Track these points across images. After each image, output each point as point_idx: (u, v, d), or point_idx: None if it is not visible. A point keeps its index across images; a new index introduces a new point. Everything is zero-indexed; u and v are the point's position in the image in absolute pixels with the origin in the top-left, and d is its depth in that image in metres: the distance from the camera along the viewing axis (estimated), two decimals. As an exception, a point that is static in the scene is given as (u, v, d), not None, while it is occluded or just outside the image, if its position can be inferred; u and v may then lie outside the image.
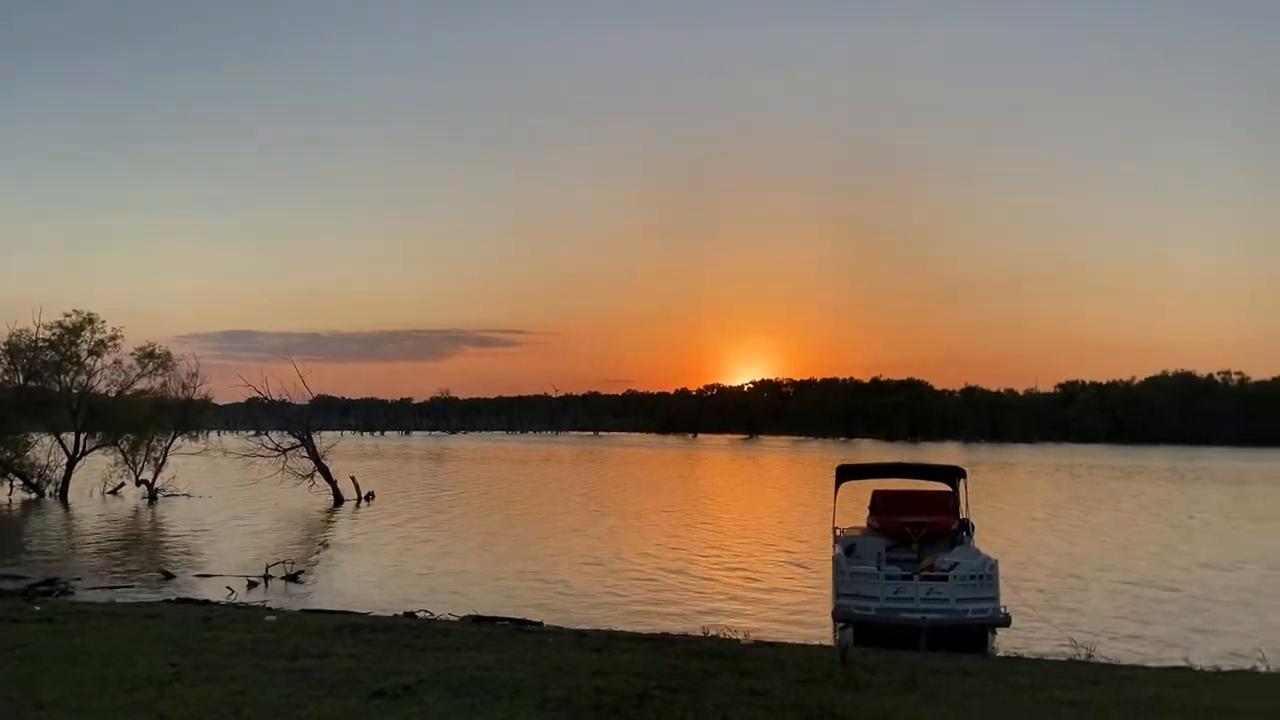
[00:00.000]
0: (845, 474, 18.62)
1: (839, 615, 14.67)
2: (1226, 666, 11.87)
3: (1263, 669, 11.60)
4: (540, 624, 14.07)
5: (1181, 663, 12.24)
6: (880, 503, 18.12)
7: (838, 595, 14.78)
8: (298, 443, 40.78)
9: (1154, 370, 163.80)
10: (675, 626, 14.88)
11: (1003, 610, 14.21)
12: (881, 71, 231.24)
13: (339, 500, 39.47)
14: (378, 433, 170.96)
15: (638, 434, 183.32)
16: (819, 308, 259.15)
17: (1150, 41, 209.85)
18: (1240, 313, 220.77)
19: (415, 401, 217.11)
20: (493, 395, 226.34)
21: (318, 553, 25.29)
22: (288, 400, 42.77)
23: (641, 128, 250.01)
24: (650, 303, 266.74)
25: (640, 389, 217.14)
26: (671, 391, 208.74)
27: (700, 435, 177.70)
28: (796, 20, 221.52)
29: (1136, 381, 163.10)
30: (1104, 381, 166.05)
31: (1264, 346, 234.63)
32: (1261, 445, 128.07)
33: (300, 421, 41.82)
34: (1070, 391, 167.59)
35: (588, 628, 13.80)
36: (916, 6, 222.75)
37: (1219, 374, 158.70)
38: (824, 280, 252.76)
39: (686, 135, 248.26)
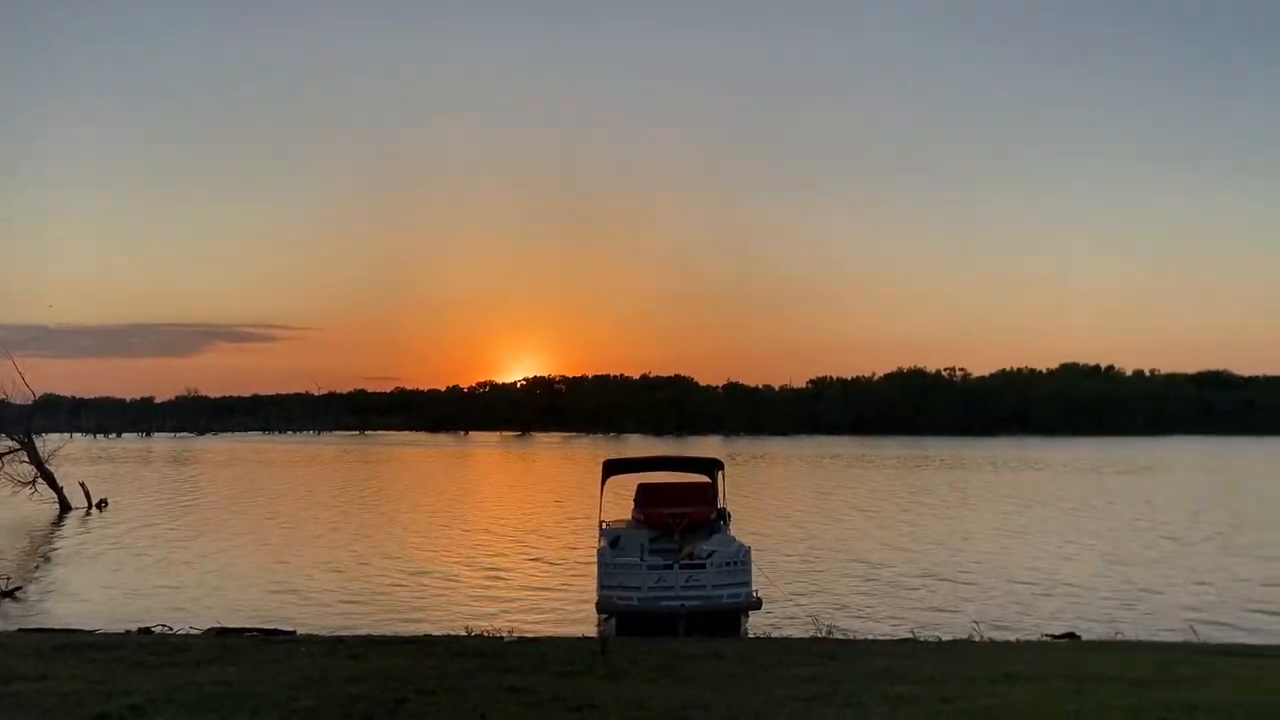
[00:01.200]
0: (611, 469, 19.02)
1: (602, 606, 14.97)
2: (947, 638, 13.07)
3: (978, 638, 12.87)
4: (293, 633, 13.42)
5: (909, 636, 13.37)
6: (644, 496, 18.62)
7: (602, 587, 15.07)
8: (16, 446, 36.90)
9: (892, 367, 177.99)
10: (437, 628, 14.63)
11: (755, 594, 14.99)
12: (648, 76, 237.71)
13: (65, 508, 36.02)
14: (113, 435, 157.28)
15: (407, 432, 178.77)
16: (593, 306, 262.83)
17: (889, 46, 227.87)
18: (961, 314, 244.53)
19: (158, 401, 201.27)
20: (248, 394, 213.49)
21: (39, 566, 23.00)
22: (6, 400, 38.62)
23: (410, 128, 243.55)
24: (421, 299, 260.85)
25: (410, 386, 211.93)
26: (443, 389, 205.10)
27: (472, 433, 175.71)
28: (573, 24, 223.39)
29: (877, 378, 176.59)
30: (849, 378, 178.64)
31: (983, 344, 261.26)
32: (980, 435, 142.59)
33: (20, 423, 37.87)
34: (820, 387, 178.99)
35: (345, 634, 13.31)
36: (667, 10, 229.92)
37: (945, 370, 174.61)
38: (597, 280, 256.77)
39: (454, 133, 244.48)
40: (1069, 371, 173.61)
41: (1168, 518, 34.84)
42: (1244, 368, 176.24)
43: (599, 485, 19.02)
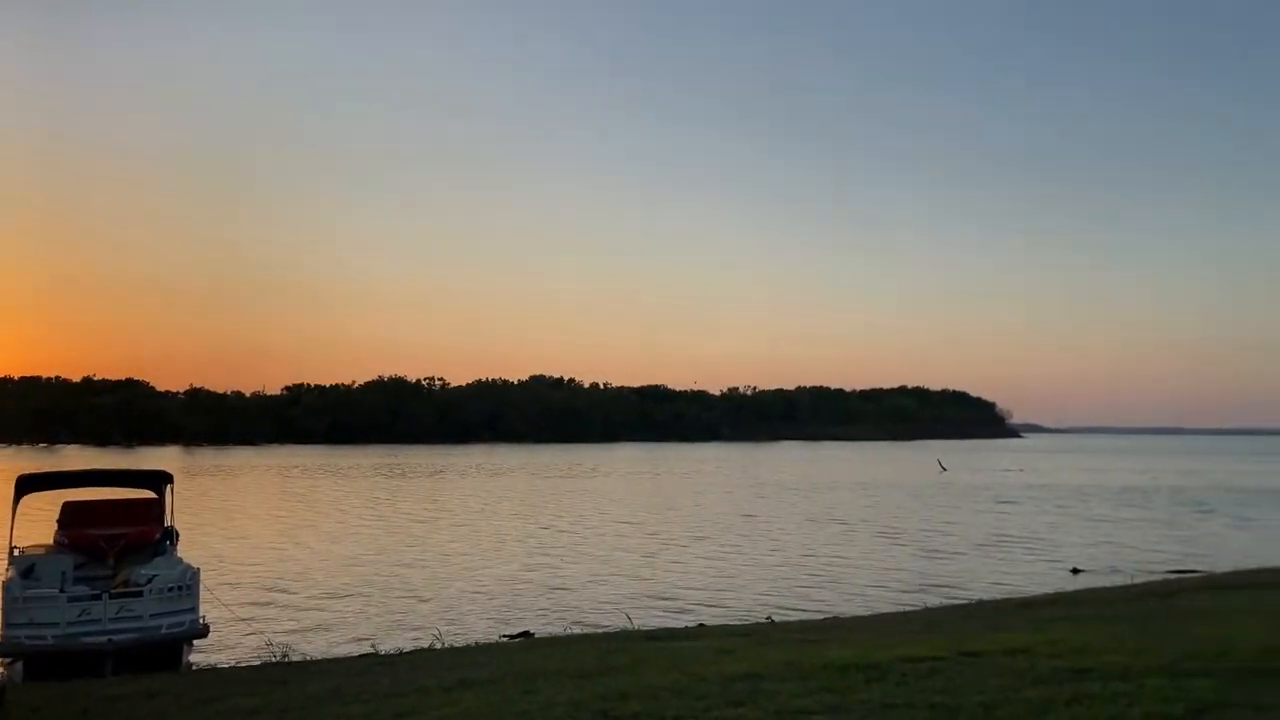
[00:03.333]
0: (27, 485, 16.01)
1: (5, 649, 12.52)
2: (409, 649, 12.92)
3: (439, 646, 12.89)
4: None
5: (369, 651, 13.00)
6: (70, 515, 15.98)
7: (7, 626, 12.60)
8: None
9: (373, 375, 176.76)
10: None
11: (201, 621, 13.57)
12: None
13: None
14: None
15: None
16: (16, 299, 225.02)
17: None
18: (442, 328, 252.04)
19: None
20: None
21: None
22: None
23: None
24: None
25: None
26: None
27: None
28: None
29: (357, 385, 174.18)
30: (328, 385, 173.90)
31: (461, 354, 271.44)
32: (456, 442, 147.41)
33: None
34: (296, 394, 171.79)
35: None
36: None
37: (425, 379, 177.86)
38: (24, 267, 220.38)
39: None
40: (537, 383, 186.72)
41: (619, 516, 38.75)
42: (675, 383, 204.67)
43: (10, 506, 15.96)
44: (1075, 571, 23.62)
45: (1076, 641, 8.23)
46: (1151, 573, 21.92)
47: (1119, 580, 19.72)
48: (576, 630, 14.66)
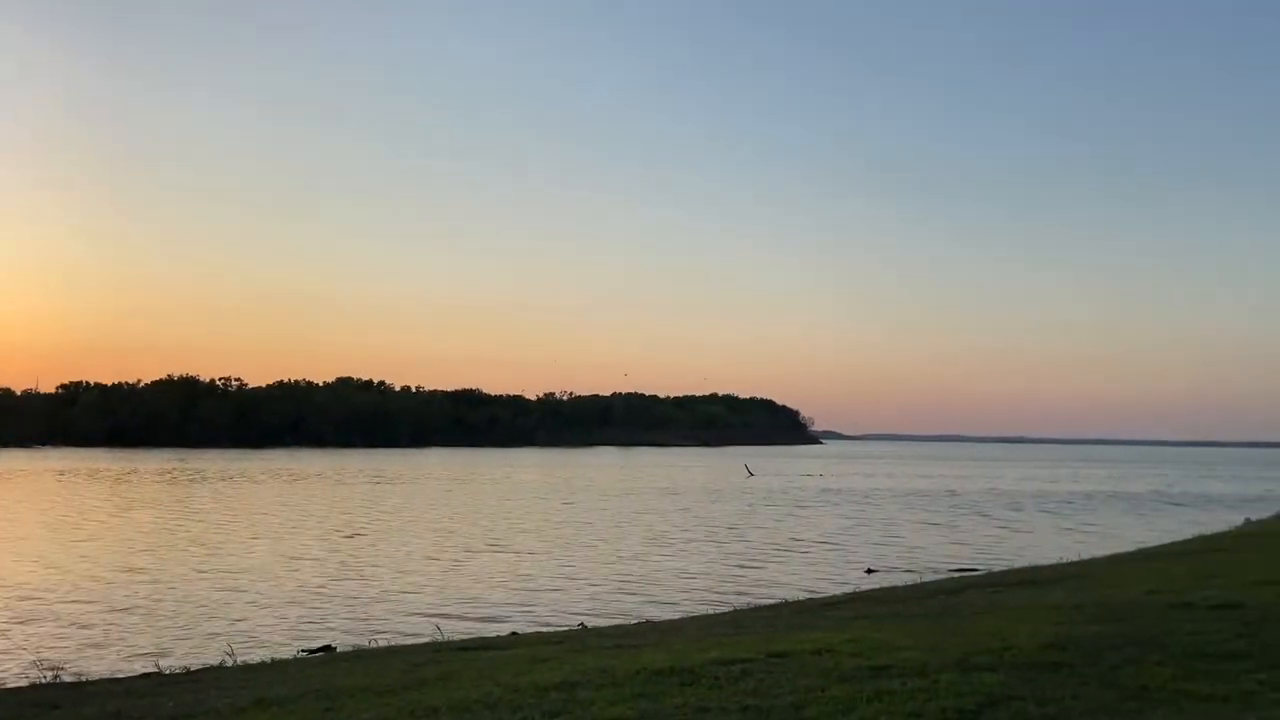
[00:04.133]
0: None
1: None
2: (197, 666, 12.08)
3: (231, 663, 12.10)
4: None
5: (153, 669, 12.06)
6: None
7: None
8: None
9: (160, 373, 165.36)
10: None
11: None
12: None
13: None
14: None
15: None
16: None
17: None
18: (240, 324, 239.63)
19: None
20: None
21: None
22: None
23: None
24: None
25: None
26: None
27: None
28: None
29: (142, 384, 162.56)
30: (109, 383, 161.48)
31: (261, 354, 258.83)
32: (254, 446, 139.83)
33: None
34: (74, 393, 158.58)
35: None
36: None
37: (220, 379, 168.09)
38: None
39: None
40: (344, 385, 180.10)
41: (426, 523, 37.81)
42: (490, 387, 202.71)
43: None
44: (870, 571, 24.86)
45: (876, 640, 8.61)
46: (938, 571, 23.34)
47: (910, 579, 20.88)
48: (382, 643, 14.12)
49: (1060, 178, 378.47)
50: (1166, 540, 28.01)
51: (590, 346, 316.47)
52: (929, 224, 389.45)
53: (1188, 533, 30.13)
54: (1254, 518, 35.36)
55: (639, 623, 15.31)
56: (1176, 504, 54.76)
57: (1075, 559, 22.17)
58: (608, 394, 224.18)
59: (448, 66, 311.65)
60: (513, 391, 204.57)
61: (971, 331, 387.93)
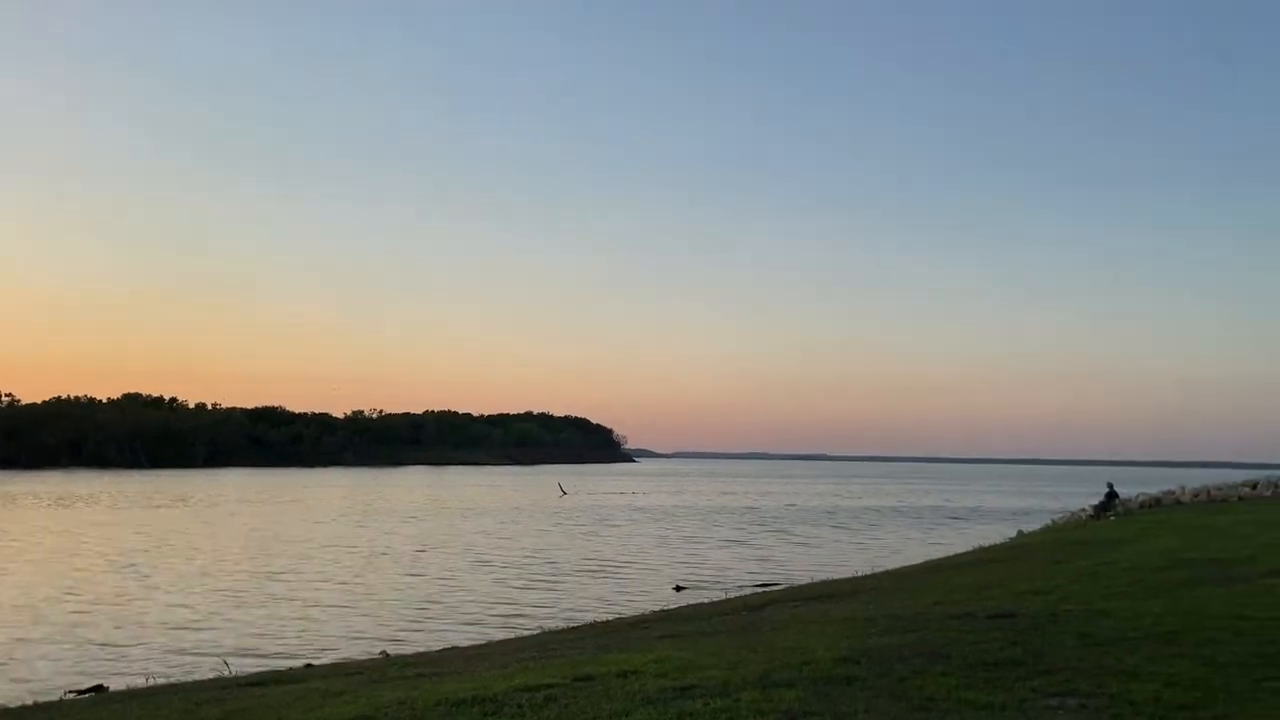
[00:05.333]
0: None
1: None
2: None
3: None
4: None
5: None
6: None
7: None
8: None
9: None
10: None
11: None
12: None
13: None
14: None
15: None
16: None
17: None
18: (13, 335, 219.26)
19: None
20: None
21: None
22: None
23: None
24: None
25: None
26: None
27: None
28: None
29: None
30: None
31: (34, 369, 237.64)
32: (27, 468, 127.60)
33: None
34: None
35: None
36: None
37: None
38: None
39: None
40: (131, 402, 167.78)
41: (214, 550, 35.53)
42: (294, 405, 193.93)
43: None
44: (678, 589, 25.24)
45: (680, 659, 8.65)
46: (742, 587, 23.97)
47: (715, 595, 21.33)
48: (161, 681, 13.07)
49: (868, 203, 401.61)
50: (949, 553, 29.89)
51: (401, 363, 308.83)
52: (737, 245, 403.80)
53: (968, 545, 32.28)
54: (1025, 529, 38.26)
55: (443, 649, 14.87)
56: (956, 518, 58.69)
57: (868, 572, 23.27)
58: (419, 412, 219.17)
59: (259, 67, 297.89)
60: (318, 409, 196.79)
61: (777, 352, 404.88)
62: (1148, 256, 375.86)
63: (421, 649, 15.82)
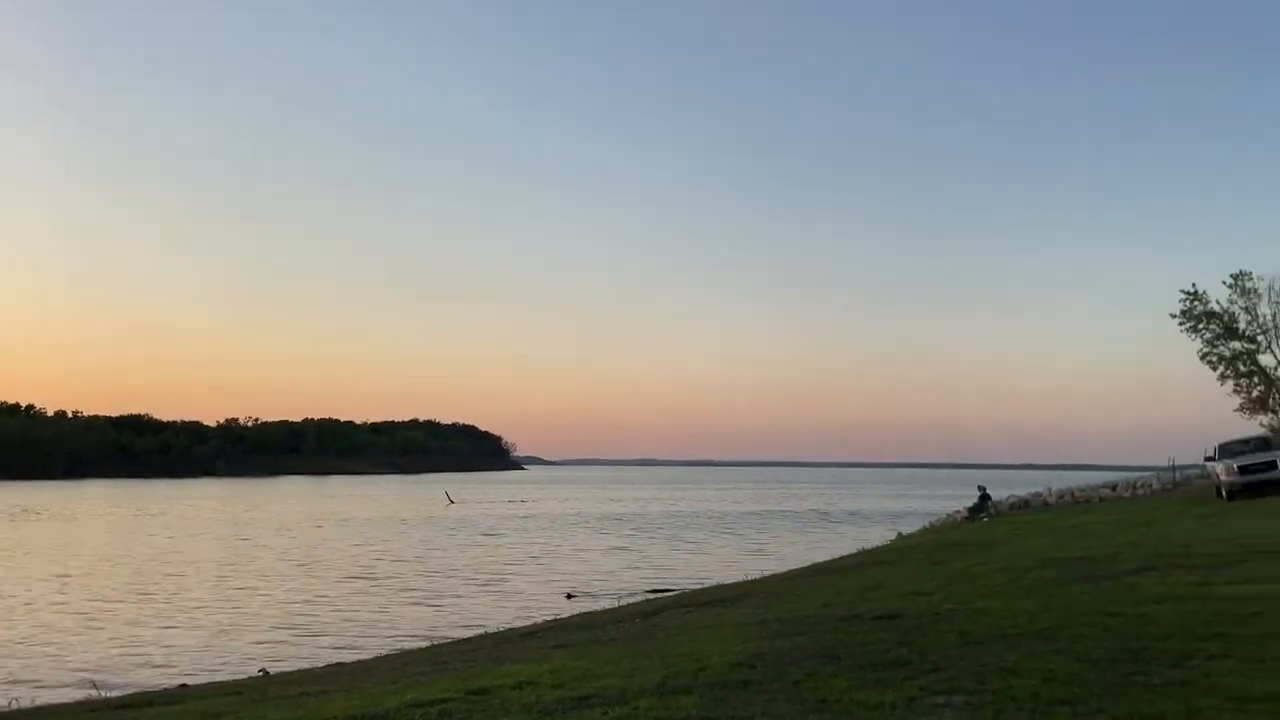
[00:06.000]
0: None
1: None
2: None
3: None
4: None
5: None
6: None
7: None
8: None
9: None
10: None
11: None
12: None
13: None
14: None
15: None
16: None
17: None
18: None
19: None
20: None
21: None
22: None
23: None
24: None
25: None
26: None
27: None
28: None
29: None
30: None
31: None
32: None
33: None
34: None
35: None
36: None
37: None
38: None
39: None
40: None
41: (73, 567, 33.67)
42: (163, 413, 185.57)
43: None
44: (570, 596, 25.12)
45: (576, 668, 8.59)
46: (634, 594, 24.03)
47: (608, 603, 21.30)
48: (22, 705, 12.30)
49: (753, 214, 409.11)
50: (834, 556, 30.62)
51: (280, 370, 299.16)
52: (625, 253, 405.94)
53: (851, 548, 33.14)
54: (905, 531, 39.51)
55: (327, 666, 14.41)
56: (839, 521, 60.24)
57: (758, 576, 23.64)
58: (298, 420, 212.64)
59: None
60: (189, 417, 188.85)
61: (665, 360, 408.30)
62: (1012, 267, 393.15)
63: (303, 666, 15.30)
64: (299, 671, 13.96)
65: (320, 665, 14.97)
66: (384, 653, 16.18)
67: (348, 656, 16.31)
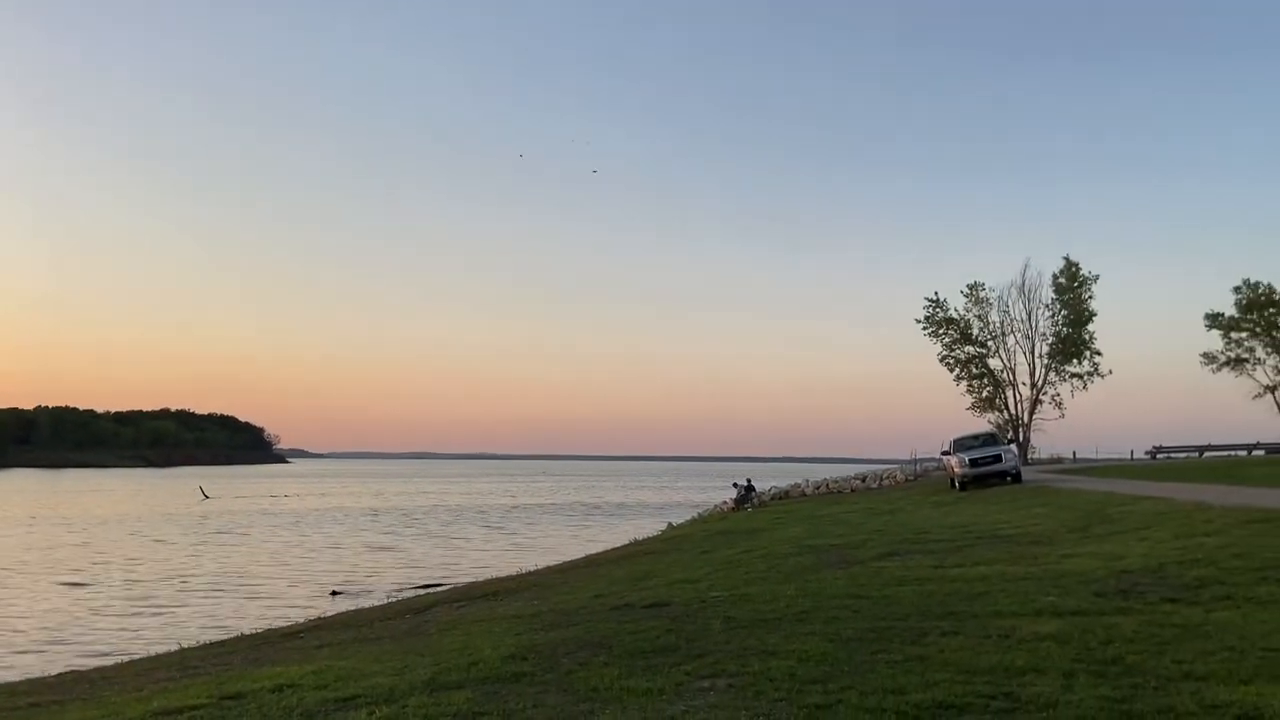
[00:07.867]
0: None
1: None
2: None
3: None
4: None
5: None
6: None
7: None
8: None
9: None
10: None
11: None
12: None
13: None
14: None
15: None
16: None
17: None
18: None
19: None
20: None
21: None
22: None
23: None
24: None
25: None
26: None
27: None
28: None
29: None
30: None
31: None
32: None
33: None
34: None
35: None
36: None
37: None
38: None
39: None
40: None
41: None
42: None
43: None
44: (335, 594, 24.17)
45: (342, 669, 8.30)
46: (404, 589, 23.45)
47: (376, 600, 20.68)
48: None
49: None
50: (606, 548, 31.17)
51: (10, 352, 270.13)
52: (401, 239, 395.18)
53: (623, 539, 33.85)
54: (674, 522, 40.82)
55: (61, 674, 13.16)
56: (610, 514, 61.33)
57: (532, 569, 23.70)
58: (29, 407, 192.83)
59: None
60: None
61: (440, 354, 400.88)
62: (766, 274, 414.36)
63: (31, 675, 13.86)
64: (27, 681, 12.68)
65: (53, 673, 13.63)
66: (128, 658, 14.95)
67: (85, 663, 14.94)
